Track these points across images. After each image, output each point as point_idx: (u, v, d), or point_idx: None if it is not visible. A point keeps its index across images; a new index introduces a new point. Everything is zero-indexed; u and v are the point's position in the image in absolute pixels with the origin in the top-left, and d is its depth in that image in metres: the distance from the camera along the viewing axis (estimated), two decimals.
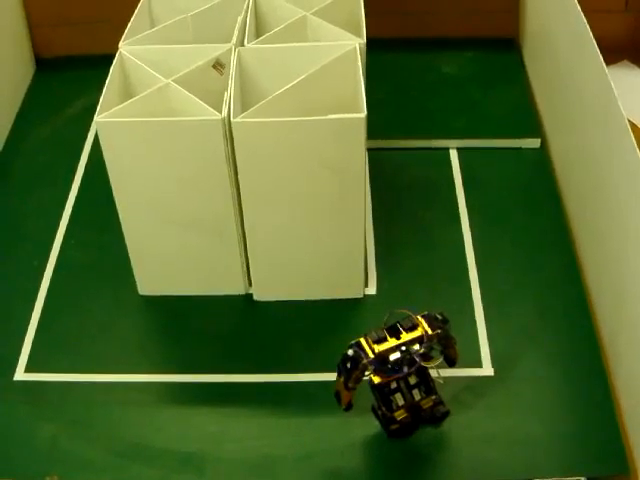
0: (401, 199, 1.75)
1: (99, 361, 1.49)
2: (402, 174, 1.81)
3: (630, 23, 2.10)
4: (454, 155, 1.85)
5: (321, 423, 1.38)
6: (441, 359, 1.28)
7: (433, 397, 1.31)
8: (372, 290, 1.58)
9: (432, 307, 1.49)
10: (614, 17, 2.09)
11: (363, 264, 1.54)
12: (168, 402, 1.44)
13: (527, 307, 1.55)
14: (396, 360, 1.21)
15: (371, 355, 1.21)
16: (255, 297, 1.57)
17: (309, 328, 1.53)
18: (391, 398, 1.29)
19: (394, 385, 1.28)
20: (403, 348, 1.21)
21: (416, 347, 1.22)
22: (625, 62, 2.06)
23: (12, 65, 2.07)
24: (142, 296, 1.59)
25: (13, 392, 1.45)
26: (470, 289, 1.58)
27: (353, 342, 1.23)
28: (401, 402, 1.29)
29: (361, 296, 1.57)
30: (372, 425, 1.35)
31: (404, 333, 1.23)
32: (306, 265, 1.51)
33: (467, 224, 1.69)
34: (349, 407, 1.30)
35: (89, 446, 1.37)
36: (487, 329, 1.51)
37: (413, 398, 1.29)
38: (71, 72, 2.15)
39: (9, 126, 2.00)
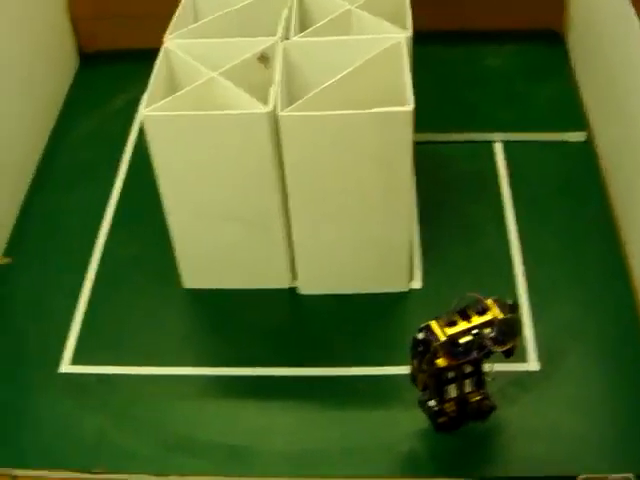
0: (446, 192, 1.74)
1: (144, 354, 1.50)
2: (446, 167, 1.80)
3: None
4: (499, 148, 1.84)
5: (368, 417, 1.38)
6: (510, 345, 1.25)
7: (482, 391, 1.30)
8: (417, 284, 1.57)
9: None
10: None
11: (409, 257, 1.53)
12: (214, 395, 1.44)
13: (573, 302, 1.54)
14: (467, 343, 1.20)
15: (442, 338, 1.20)
16: (300, 290, 1.57)
17: (355, 322, 1.52)
18: (445, 389, 1.28)
19: (451, 375, 1.27)
20: (474, 331, 1.20)
21: (487, 331, 1.20)
22: None
23: (56, 59, 2.08)
24: (187, 289, 1.59)
25: (59, 385, 1.47)
26: (516, 283, 1.57)
27: (423, 325, 1.22)
28: (454, 394, 1.29)
29: (406, 290, 1.56)
30: (419, 419, 1.34)
31: (475, 316, 1.22)
32: (351, 258, 1.51)
33: (512, 217, 1.68)
34: (425, 388, 1.30)
35: (135, 438, 1.38)
36: (533, 324, 1.50)
37: (464, 389, 1.28)
38: (114, 66, 2.16)
39: (53, 120, 2.01)
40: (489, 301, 1.23)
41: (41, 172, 1.89)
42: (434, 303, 1.44)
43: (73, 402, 1.43)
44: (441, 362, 1.22)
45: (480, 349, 1.20)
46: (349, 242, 1.48)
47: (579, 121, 1.88)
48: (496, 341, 1.20)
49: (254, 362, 1.47)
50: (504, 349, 1.22)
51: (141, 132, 1.89)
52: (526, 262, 1.60)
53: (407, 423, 1.35)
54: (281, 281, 1.57)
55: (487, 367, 1.28)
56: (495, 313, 1.22)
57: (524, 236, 1.65)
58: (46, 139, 1.96)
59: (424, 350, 1.22)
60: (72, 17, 2.14)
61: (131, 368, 1.47)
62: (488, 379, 1.30)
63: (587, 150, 1.83)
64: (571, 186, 1.75)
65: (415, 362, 1.26)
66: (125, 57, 2.13)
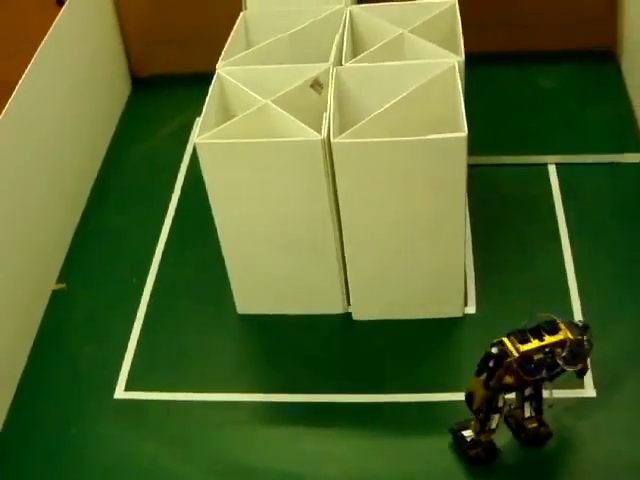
0: (500, 216, 1.73)
1: (198, 380, 1.50)
2: (500, 190, 1.79)
3: None
4: (552, 170, 1.82)
5: (420, 445, 1.37)
6: (581, 365, 1.25)
7: (539, 417, 1.29)
8: (472, 309, 1.56)
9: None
10: None
11: (463, 283, 1.52)
12: (266, 421, 1.44)
13: (630, 327, 1.51)
14: (540, 360, 1.20)
15: (515, 354, 1.20)
16: (354, 316, 1.56)
17: (408, 347, 1.52)
18: (490, 416, 1.27)
19: (500, 403, 1.26)
20: (547, 350, 1.20)
21: (559, 350, 1.20)
22: None
23: (109, 84, 2.10)
24: (240, 315, 1.59)
25: (113, 411, 1.47)
26: (571, 307, 1.55)
27: (496, 341, 1.22)
28: (494, 425, 1.27)
29: (461, 315, 1.55)
30: None
31: (547, 336, 1.22)
32: (405, 283, 1.50)
33: (567, 241, 1.66)
34: (479, 411, 1.28)
35: (188, 465, 1.38)
36: None
37: (523, 413, 1.28)
38: (166, 91, 2.17)
39: (106, 145, 2.04)
40: (560, 322, 1.23)
41: (95, 196, 1.91)
42: (489, 328, 1.42)
43: (127, 428, 1.44)
44: (508, 379, 1.22)
45: (551, 368, 1.20)
46: (403, 267, 1.48)
47: (634, 142, 1.85)
48: (568, 361, 1.20)
49: (307, 389, 1.47)
50: (575, 369, 1.22)
51: (193, 157, 1.91)
52: (581, 286, 1.58)
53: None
54: (335, 307, 1.56)
55: (546, 394, 1.26)
56: (567, 333, 1.22)
57: (579, 259, 1.63)
58: (100, 163, 1.98)
59: (495, 365, 1.21)
60: (124, 42, 2.16)
61: (185, 394, 1.48)
62: (546, 407, 1.28)
63: None
64: (627, 208, 1.73)
65: (481, 378, 1.24)
66: (177, 82, 2.15)
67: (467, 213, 1.66)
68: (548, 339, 1.21)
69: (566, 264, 1.62)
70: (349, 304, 1.57)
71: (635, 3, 1.95)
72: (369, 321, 1.56)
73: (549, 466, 1.33)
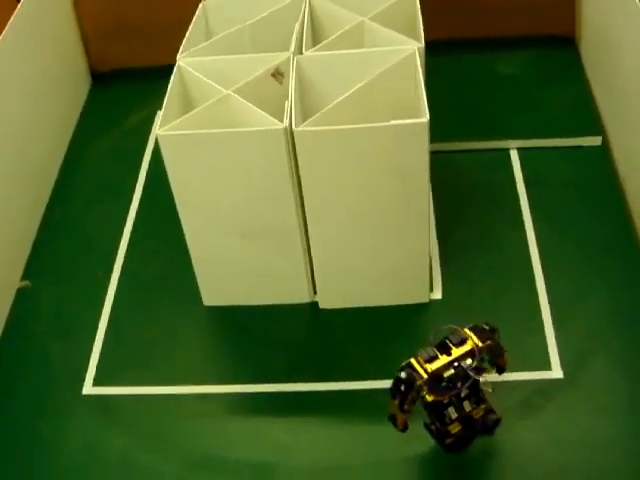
0: (463, 201, 1.74)
1: (167, 373, 1.50)
2: (463, 176, 1.80)
3: None
4: (515, 155, 1.83)
5: (390, 432, 1.36)
6: (494, 370, 1.27)
7: (483, 406, 1.29)
8: (437, 294, 1.57)
9: (499, 310, 1.50)
10: None
11: (428, 268, 1.52)
12: (237, 413, 1.44)
13: (594, 308, 1.53)
14: (450, 377, 1.20)
15: (424, 375, 1.20)
16: (320, 305, 1.57)
17: (376, 334, 1.52)
18: (444, 413, 1.27)
19: (446, 399, 1.26)
20: (456, 364, 1.20)
21: (468, 361, 1.20)
22: None
23: (68, 79, 2.09)
24: (207, 307, 1.59)
25: (82, 406, 1.46)
26: (536, 291, 1.56)
27: (404, 364, 1.22)
28: (454, 415, 1.27)
29: (427, 301, 1.56)
30: None
31: (454, 348, 1.22)
32: (371, 271, 1.51)
33: (531, 225, 1.68)
34: (405, 428, 1.30)
35: (160, 458, 1.37)
36: (555, 331, 1.49)
37: (464, 409, 1.27)
38: (127, 84, 2.16)
39: (68, 139, 2.03)
40: (466, 330, 1.23)
41: (59, 190, 1.90)
42: (455, 313, 1.44)
43: (97, 424, 1.43)
44: (429, 397, 1.22)
45: (464, 380, 1.20)
46: (368, 255, 1.48)
47: (594, 126, 1.87)
48: (478, 370, 1.21)
49: (276, 378, 1.47)
50: (488, 374, 1.23)
51: (156, 149, 1.91)
52: (546, 270, 1.59)
53: (429, 436, 1.34)
54: (301, 296, 1.57)
55: (483, 380, 1.26)
56: (474, 341, 1.22)
57: (543, 243, 1.64)
58: (62, 157, 1.97)
59: (407, 389, 1.22)
60: (83, 36, 2.15)
61: (154, 388, 1.47)
62: (489, 391, 1.29)
63: (603, 155, 1.82)
64: (588, 191, 1.75)
65: (396, 402, 1.25)
66: (137, 75, 2.15)
67: (431, 200, 1.67)
68: (456, 352, 1.21)
69: (530, 247, 1.64)
70: (315, 293, 1.57)
71: None
72: (336, 309, 1.56)
73: (522, 448, 1.34)
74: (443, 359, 1.21)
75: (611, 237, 1.64)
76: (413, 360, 1.22)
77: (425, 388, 1.20)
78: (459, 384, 1.20)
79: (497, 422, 1.31)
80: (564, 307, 1.53)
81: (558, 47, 2.09)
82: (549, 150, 1.84)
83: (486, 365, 1.23)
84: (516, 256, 1.63)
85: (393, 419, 1.29)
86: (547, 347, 1.47)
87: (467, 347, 1.22)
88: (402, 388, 1.22)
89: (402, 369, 1.22)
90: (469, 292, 1.57)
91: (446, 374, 1.20)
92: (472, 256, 1.63)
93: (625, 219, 1.67)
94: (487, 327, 1.25)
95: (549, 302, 1.53)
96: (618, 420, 1.36)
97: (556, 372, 1.43)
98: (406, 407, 1.24)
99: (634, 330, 1.48)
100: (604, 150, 1.83)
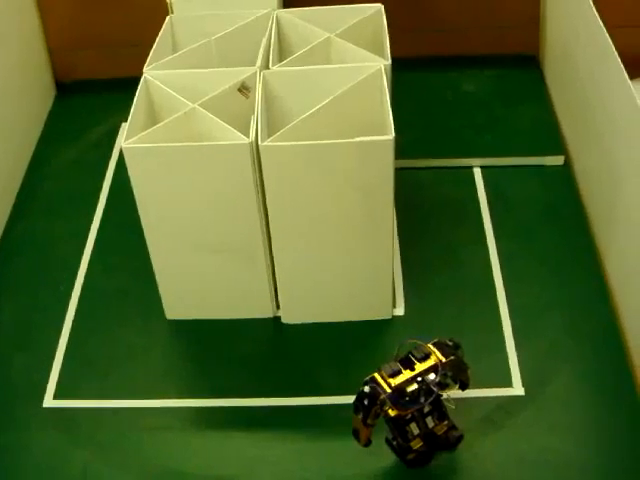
0: (426, 218, 1.75)
1: (128, 387, 1.49)
2: (426, 193, 1.81)
3: None
4: (478, 173, 1.85)
5: (353, 447, 1.36)
6: (457, 386, 1.28)
7: (446, 422, 1.30)
8: (400, 311, 1.57)
9: (461, 327, 1.51)
10: (633, 32, 2.08)
11: (391, 285, 1.53)
12: (200, 427, 1.43)
13: (556, 326, 1.54)
14: (413, 392, 1.20)
15: (388, 389, 1.20)
16: (283, 320, 1.57)
17: (338, 350, 1.52)
18: (406, 429, 1.28)
19: (409, 415, 1.26)
20: (419, 379, 1.21)
21: (432, 376, 1.21)
22: None
23: (32, 90, 2.07)
24: (170, 320, 1.59)
25: (42, 420, 1.45)
26: (498, 308, 1.57)
27: (367, 378, 1.23)
28: (416, 431, 1.28)
29: (389, 317, 1.56)
30: None
31: (418, 363, 1.22)
32: (334, 287, 1.51)
33: (493, 242, 1.69)
34: (368, 443, 1.30)
35: (121, 472, 1.36)
36: (516, 348, 1.50)
37: (427, 426, 1.28)
38: (92, 96, 2.15)
39: (31, 151, 2.01)
40: (430, 345, 1.24)
41: (20, 202, 1.88)
42: (417, 330, 1.44)
43: (57, 437, 1.42)
44: (392, 412, 1.22)
45: (427, 395, 1.20)
46: (331, 271, 1.48)
47: (557, 145, 1.89)
48: (441, 385, 1.21)
49: (239, 393, 1.46)
50: (452, 390, 1.23)
51: (119, 162, 1.90)
52: (508, 286, 1.61)
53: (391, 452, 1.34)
54: (264, 311, 1.56)
55: (445, 396, 1.27)
56: (437, 357, 1.23)
57: (505, 260, 1.65)
58: (25, 169, 1.95)
59: (370, 404, 1.22)
60: (49, 48, 2.14)
61: (115, 401, 1.46)
62: (452, 406, 1.29)
63: (566, 174, 1.84)
64: (551, 209, 1.76)
65: (359, 417, 1.25)
66: (102, 87, 2.14)
67: (394, 215, 1.68)
68: (419, 367, 1.22)
69: (492, 264, 1.65)
70: (278, 308, 1.57)
71: (557, 12, 1.99)
72: (298, 324, 1.56)
73: (482, 464, 1.34)
74: (407, 374, 1.21)
75: (572, 255, 1.66)
76: (377, 375, 1.22)
77: (388, 402, 1.20)
78: (422, 399, 1.20)
79: (460, 439, 1.32)
80: (525, 324, 1.54)
81: (522, 66, 2.12)
82: (512, 168, 1.85)
83: (449, 381, 1.23)
84: (478, 273, 1.64)
85: (356, 434, 1.29)
86: (508, 364, 1.47)
87: (430, 362, 1.22)
88: (365, 402, 1.22)
89: (365, 383, 1.22)
90: (431, 309, 1.57)
91: (409, 389, 1.20)
92: (435, 273, 1.64)
93: (587, 237, 1.69)
94: (451, 343, 1.25)
95: (511, 319, 1.54)
96: (577, 437, 1.37)
97: (517, 389, 1.44)
98: (369, 421, 1.24)
99: (594, 347, 1.50)
100: (567, 169, 1.85)
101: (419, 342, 1.24)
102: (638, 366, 1.45)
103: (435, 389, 1.20)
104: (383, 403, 1.21)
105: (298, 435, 1.40)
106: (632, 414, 1.40)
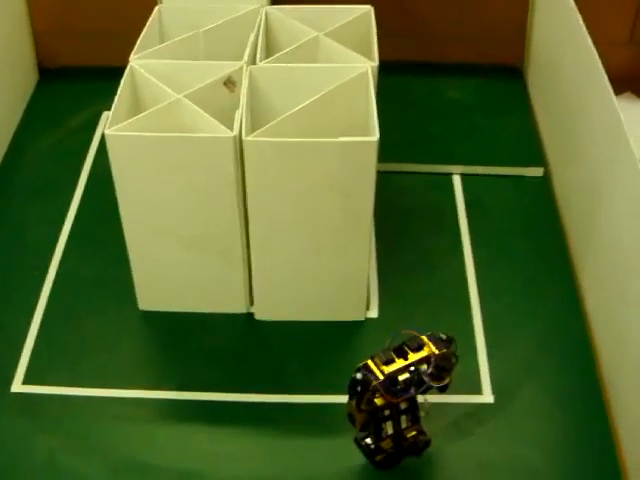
0: (403, 223, 1.75)
1: (97, 375, 1.48)
2: (405, 198, 1.81)
3: (634, 55, 2.11)
4: (457, 181, 1.85)
5: (321, 445, 1.37)
6: (448, 380, 1.26)
7: (416, 427, 1.31)
8: (374, 313, 1.58)
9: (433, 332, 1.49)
10: (618, 49, 2.10)
11: (366, 287, 1.53)
12: (166, 419, 1.42)
13: (528, 336, 1.55)
14: (405, 380, 1.21)
15: (380, 377, 1.20)
16: (256, 316, 1.56)
17: (310, 349, 1.52)
18: (382, 426, 1.28)
19: (387, 412, 1.27)
20: (412, 368, 1.21)
21: (424, 367, 1.21)
22: (628, 94, 2.07)
23: (14, 74, 2.05)
24: (142, 311, 1.58)
25: (9, 404, 1.44)
26: (471, 315, 1.57)
27: (361, 365, 1.23)
28: (390, 431, 1.28)
29: (363, 319, 1.56)
30: None
31: (411, 353, 1.23)
32: (309, 286, 1.51)
33: (469, 250, 1.69)
34: (365, 427, 1.30)
35: (86, 461, 1.36)
36: (488, 356, 1.51)
37: (400, 425, 1.28)
38: (74, 83, 2.14)
39: (10, 136, 1.99)
40: (424, 337, 1.24)
41: None
42: (389, 332, 1.43)
43: (24, 423, 1.41)
44: (379, 401, 1.23)
45: (418, 385, 1.21)
46: (307, 269, 1.48)
47: (537, 156, 1.90)
48: (433, 377, 1.21)
49: (208, 387, 1.46)
50: (441, 385, 1.23)
51: (99, 151, 1.89)
52: (482, 294, 1.61)
53: (359, 453, 1.34)
54: (238, 306, 1.56)
55: (421, 400, 1.28)
56: (431, 349, 1.23)
57: (481, 268, 1.66)
58: (3, 154, 1.94)
59: (362, 390, 1.22)
60: (33, 32, 2.13)
61: (84, 390, 1.45)
62: (422, 414, 1.30)
63: (544, 185, 1.85)
64: (528, 221, 1.77)
65: (353, 402, 1.25)
66: (85, 75, 2.13)
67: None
68: (412, 357, 1.22)
69: (467, 272, 1.65)
70: (252, 304, 1.57)
71: (544, 26, 2.00)
72: (271, 322, 1.56)
73: (448, 471, 1.34)
74: (399, 362, 1.22)
75: (548, 266, 1.67)
76: (370, 362, 1.22)
77: (380, 390, 1.20)
78: (412, 389, 1.21)
79: (427, 444, 1.33)
80: (498, 333, 1.54)
81: (506, 77, 2.13)
82: (491, 178, 1.86)
83: (434, 383, 1.23)
84: (453, 280, 1.64)
85: (351, 418, 1.29)
86: (479, 371, 1.48)
87: (424, 353, 1.23)
88: (358, 389, 1.23)
89: (358, 370, 1.23)
90: (405, 313, 1.58)
91: (401, 377, 1.21)
92: (410, 277, 1.65)
93: (562, 250, 1.70)
94: (444, 337, 1.26)
95: (483, 327, 1.55)
96: (544, 447, 1.37)
97: (487, 397, 1.44)
98: (363, 407, 1.24)
99: (564, 359, 1.51)
100: (546, 181, 1.86)
101: (414, 332, 1.24)
102: (607, 380, 1.46)
103: (427, 380, 1.20)
104: (375, 390, 1.21)
105: (265, 432, 1.40)
106: (600, 429, 1.41)
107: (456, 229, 1.74)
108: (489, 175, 1.86)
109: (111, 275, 1.63)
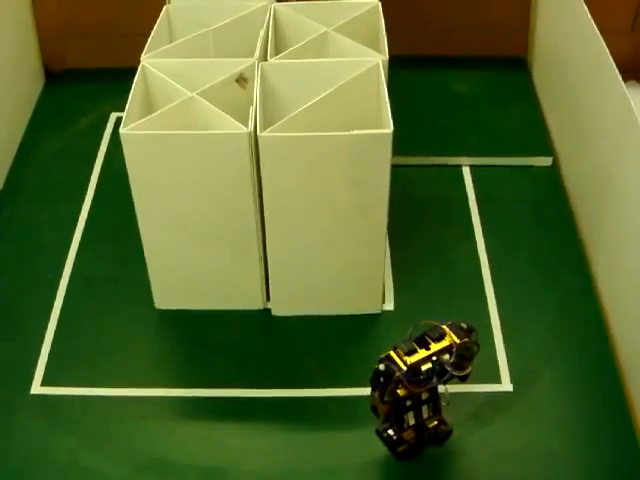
0: (416, 215, 1.76)
1: (116, 375, 1.48)
2: (416, 191, 1.82)
3: (637, 43, 2.11)
4: (467, 172, 1.86)
5: (341, 439, 1.38)
6: (469, 369, 1.27)
7: (438, 416, 1.31)
8: (389, 306, 1.58)
9: None
10: (620, 37, 2.10)
11: (382, 280, 1.54)
12: (187, 417, 1.43)
13: (543, 324, 1.55)
14: (427, 370, 1.21)
15: (403, 367, 1.21)
16: (273, 312, 1.57)
17: (327, 343, 1.53)
18: (404, 417, 1.28)
19: (409, 403, 1.27)
20: (434, 358, 1.21)
21: (446, 357, 1.22)
22: (631, 82, 2.07)
23: (20, 77, 2.06)
24: (159, 310, 1.58)
25: (29, 406, 1.44)
26: (487, 305, 1.58)
27: (383, 356, 1.23)
28: (412, 421, 1.29)
29: (379, 312, 1.57)
30: None
31: (433, 343, 1.23)
32: (325, 280, 1.51)
33: (482, 241, 1.70)
34: (387, 418, 1.30)
35: (108, 461, 1.36)
36: (505, 345, 1.51)
37: (421, 415, 1.29)
38: (81, 85, 2.14)
39: (18, 140, 1.99)
40: (445, 327, 1.25)
41: (8, 189, 1.87)
42: (406, 325, 1.44)
43: (44, 424, 1.41)
44: (401, 391, 1.23)
45: (440, 375, 1.21)
46: (324, 264, 1.49)
47: (545, 146, 1.91)
48: (456, 366, 1.22)
49: (227, 383, 1.47)
50: (463, 374, 1.23)
51: (109, 151, 1.89)
52: (496, 284, 1.62)
53: (380, 444, 1.34)
54: (254, 303, 1.57)
55: (442, 390, 1.28)
56: (452, 338, 1.23)
57: (494, 258, 1.67)
58: (12, 157, 1.94)
59: (385, 381, 1.23)
60: (39, 35, 2.13)
61: (103, 390, 1.46)
62: (443, 404, 1.30)
63: (553, 174, 1.86)
64: (539, 210, 1.78)
65: (376, 394, 1.26)
66: (92, 76, 2.13)
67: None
68: (434, 347, 1.23)
69: (481, 263, 1.66)
70: (268, 300, 1.57)
71: (545, 16, 2.01)
72: (288, 317, 1.57)
73: (470, 459, 1.35)
74: (422, 353, 1.22)
75: (560, 255, 1.68)
76: (392, 352, 1.23)
77: (403, 380, 1.21)
78: (435, 379, 1.21)
79: (448, 434, 1.33)
80: (514, 321, 1.55)
81: (511, 68, 2.13)
82: (500, 168, 1.87)
83: (456, 372, 1.24)
84: (467, 270, 1.65)
85: (375, 410, 1.30)
86: (497, 360, 1.49)
87: (445, 343, 1.23)
88: (381, 379, 1.23)
89: (381, 361, 1.23)
90: (420, 304, 1.58)
91: (424, 367, 1.21)
92: (424, 269, 1.65)
93: (574, 237, 1.71)
94: (465, 326, 1.26)
95: (499, 316, 1.56)
96: (564, 433, 1.38)
97: (506, 385, 1.45)
98: (386, 398, 1.24)
99: (580, 345, 1.52)
100: (555, 170, 1.86)
101: (435, 322, 1.25)
102: (624, 364, 1.47)
103: (449, 369, 1.21)
104: (398, 380, 1.21)
105: (285, 427, 1.41)
106: (617, 410, 1.41)
107: (467, 219, 1.75)
108: (498, 166, 1.87)
109: (126, 275, 1.63)
